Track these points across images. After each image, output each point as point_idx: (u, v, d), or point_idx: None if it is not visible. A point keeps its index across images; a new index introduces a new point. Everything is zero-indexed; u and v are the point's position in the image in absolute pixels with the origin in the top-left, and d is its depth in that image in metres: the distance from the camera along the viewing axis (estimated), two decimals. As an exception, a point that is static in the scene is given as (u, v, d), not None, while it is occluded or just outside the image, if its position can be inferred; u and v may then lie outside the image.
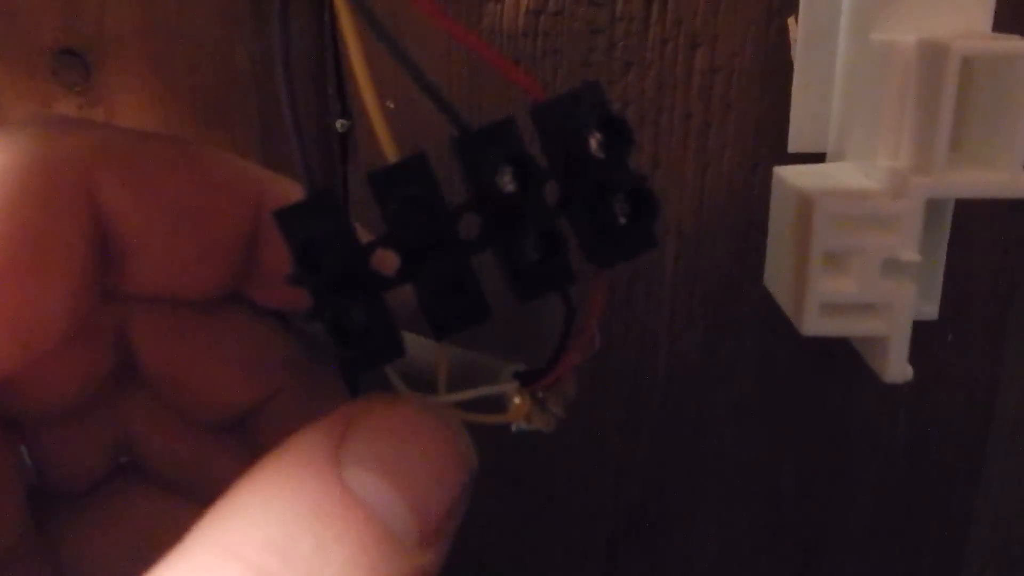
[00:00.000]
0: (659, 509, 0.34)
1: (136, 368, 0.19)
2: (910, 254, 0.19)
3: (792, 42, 0.27)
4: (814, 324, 0.20)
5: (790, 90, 0.27)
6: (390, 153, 0.16)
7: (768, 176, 0.27)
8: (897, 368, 0.20)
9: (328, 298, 0.15)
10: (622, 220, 0.16)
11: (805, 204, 0.20)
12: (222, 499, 0.14)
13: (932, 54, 0.19)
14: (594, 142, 0.16)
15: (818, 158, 0.26)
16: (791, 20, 0.27)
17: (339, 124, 0.30)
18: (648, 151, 0.29)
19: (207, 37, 0.28)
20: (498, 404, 0.18)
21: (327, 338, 0.17)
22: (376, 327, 0.15)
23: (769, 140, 0.28)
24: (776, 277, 0.24)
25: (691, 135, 0.29)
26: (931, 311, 0.24)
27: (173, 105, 0.29)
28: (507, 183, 0.15)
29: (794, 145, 0.26)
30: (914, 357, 0.30)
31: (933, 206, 0.23)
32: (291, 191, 0.18)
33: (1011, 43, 0.18)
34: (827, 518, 0.33)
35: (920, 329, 0.29)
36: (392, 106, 0.29)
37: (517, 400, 0.18)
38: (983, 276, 0.30)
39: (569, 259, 0.16)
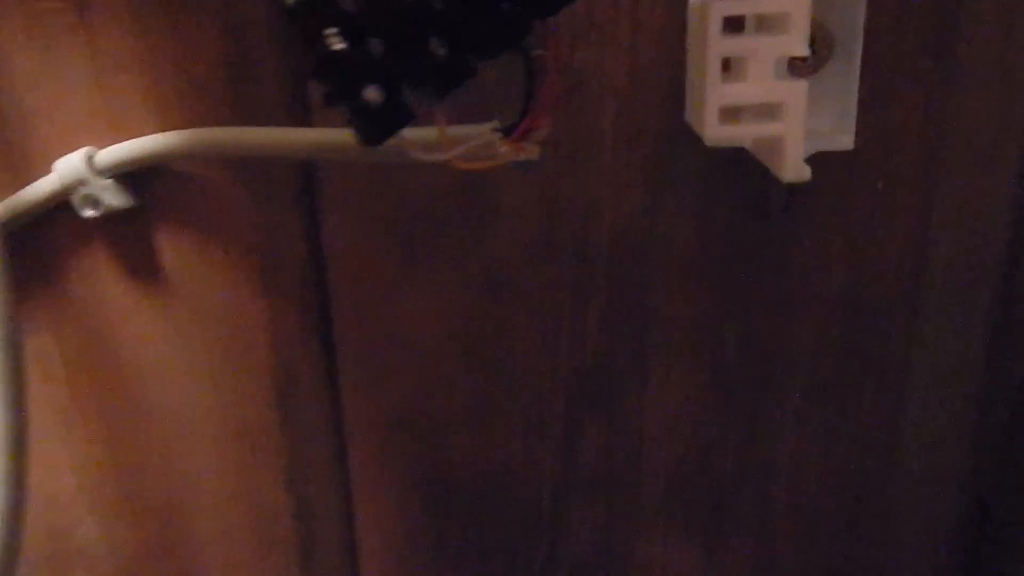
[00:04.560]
0: (612, 371, 0.36)
1: None
2: (800, 50, 0.20)
3: None
4: (716, 131, 0.21)
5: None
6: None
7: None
8: (795, 167, 0.21)
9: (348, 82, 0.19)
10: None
11: (702, 13, 0.21)
12: None
13: None
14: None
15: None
16: None
17: None
18: (582, 12, 0.30)
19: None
20: (490, 153, 0.23)
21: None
22: (390, 100, 0.20)
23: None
24: (690, 104, 0.25)
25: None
26: (847, 141, 0.26)
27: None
28: None
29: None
30: (845, 208, 0.32)
31: (840, 28, 0.24)
32: None
33: None
34: (770, 370, 0.35)
35: (850, 175, 0.30)
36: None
37: (503, 148, 0.23)
38: (911, 123, 0.31)
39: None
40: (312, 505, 0.41)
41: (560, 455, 0.38)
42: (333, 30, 0.20)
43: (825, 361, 0.35)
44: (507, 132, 0.23)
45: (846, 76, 0.25)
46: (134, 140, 0.33)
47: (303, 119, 0.33)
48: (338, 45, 0.21)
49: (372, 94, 0.21)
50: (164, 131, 0.33)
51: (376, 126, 0.22)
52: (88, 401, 0.39)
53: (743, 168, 0.31)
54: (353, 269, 0.36)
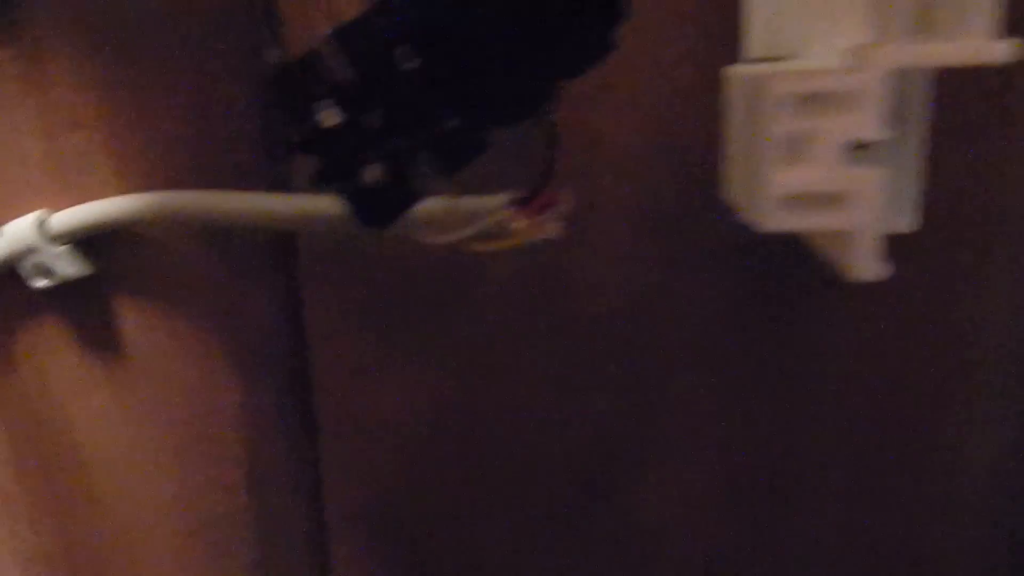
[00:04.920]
0: (618, 463, 0.32)
1: None
2: (875, 133, 0.17)
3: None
4: (775, 219, 0.18)
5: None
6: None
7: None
8: (867, 264, 0.18)
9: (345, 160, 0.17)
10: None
11: (758, 89, 0.18)
12: None
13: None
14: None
15: (779, 68, 0.25)
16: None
17: (272, 55, 0.28)
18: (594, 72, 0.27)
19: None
20: (505, 231, 0.21)
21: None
22: (394, 180, 0.18)
23: (725, 50, 0.26)
24: (734, 183, 0.22)
25: (639, 49, 0.27)
26: (909, 222, 0.22)
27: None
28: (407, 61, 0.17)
29: (751, 51, 0.24)
30: (888, 285, 0.29)
31: (906, 106, 0.21)
32: None
33: None
34: (800, 465, 0.32)
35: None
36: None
37: (517, 225, 0.20)
38: (965, 195, 0.28)
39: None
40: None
41: (559, 555, 0.34)
42: (326, 101, 0.18)
43: (864, 458, 0.31)
44: (522, 204, 0.21)
45: (909, 152, 0.22)
46: (91, 204, 0.29)
47: (281, 182, 0.30)
48: (333, 118, 0.18)
49: (373, 173, 0.18)
50: (123, 193, 0.30)
51: (378, 209, 0.19)
52: (36, 487, 0.35)
53: (769, 242, 0.28)
54: (337, 344, 0.32)
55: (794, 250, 0.27)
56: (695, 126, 0.27)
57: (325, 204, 0.28)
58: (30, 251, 0.29)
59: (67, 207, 0.30)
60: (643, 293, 0.29)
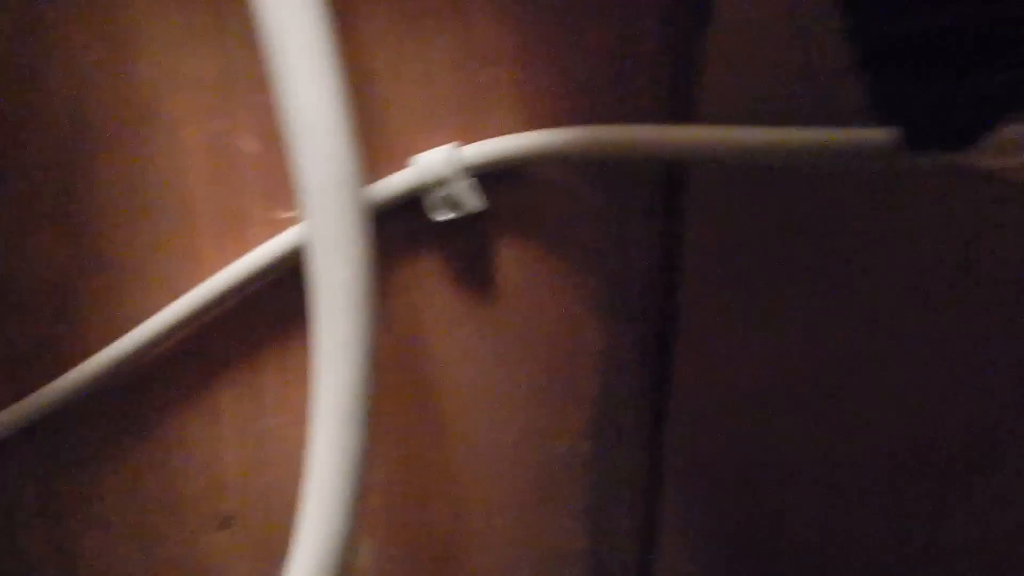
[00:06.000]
0: (1007, 435, 0.30)
1: None
2: None
3: None
4: None
5: None
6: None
7: None
8: None
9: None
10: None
11: None
12: None
13: None
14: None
15: None
16: None
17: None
18: None
19: None
20: None
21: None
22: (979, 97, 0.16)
23: None
24: None
25: None
26: None
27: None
28: None
29: None
30: None
31: None
32: None
33: None
34: None
35: None
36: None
37: None
38: None
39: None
40: (605, 556, 0.36)
41: (917, 533, 0.32)
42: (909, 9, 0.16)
43: None
44: None
45: None
46: (505, 137, 0.30)
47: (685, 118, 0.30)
48: (924, 24, 0.16)
49: (959, 90, 0.17)
50: (529, 130, 0.30)
51: (955, 130, 0.17)
52: (389, 417, 0.36)
53: None
54: (709, 294, 0.32)
55: None
56: None
57: (743, 136, 0.27)
58: (440, 183, 0.30)
59: (470, 141, 0.30)
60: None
